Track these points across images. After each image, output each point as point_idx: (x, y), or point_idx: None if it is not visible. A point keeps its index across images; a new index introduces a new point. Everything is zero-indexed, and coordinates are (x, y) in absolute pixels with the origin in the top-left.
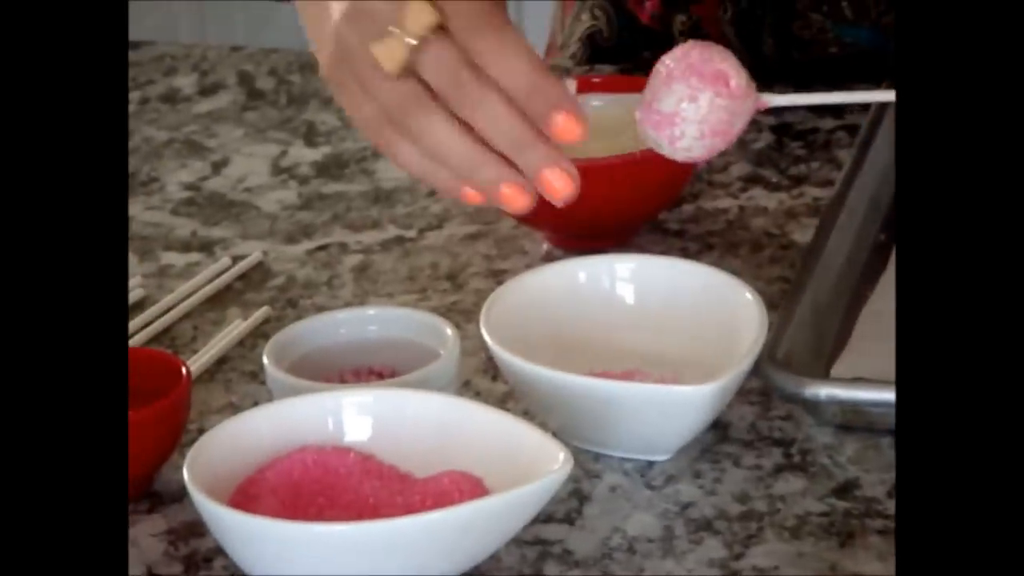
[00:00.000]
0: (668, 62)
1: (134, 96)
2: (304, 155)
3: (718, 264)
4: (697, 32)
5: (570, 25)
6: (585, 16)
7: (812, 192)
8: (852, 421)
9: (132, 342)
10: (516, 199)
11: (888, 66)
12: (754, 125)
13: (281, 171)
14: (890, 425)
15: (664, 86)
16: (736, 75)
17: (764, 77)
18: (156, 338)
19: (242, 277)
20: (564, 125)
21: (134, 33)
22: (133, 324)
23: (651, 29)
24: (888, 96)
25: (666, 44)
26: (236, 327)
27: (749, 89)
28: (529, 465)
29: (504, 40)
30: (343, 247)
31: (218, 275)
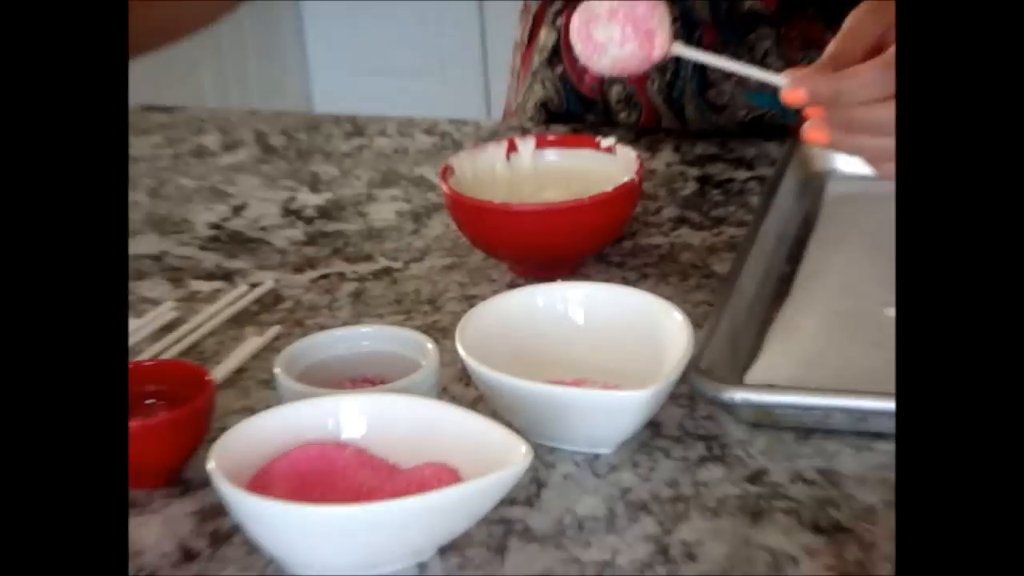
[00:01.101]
0: (616, 1)
1: (168, 152)
2: (309, 200)
3: (652, 290)
4: (630, 102)
5: (525, 94)
6: (537, 87)
7: (729, 231)
8: (762, 420)
9: (166, 355)
10: None
11: (788, 124)
12: (681, 176)
13: (290, 213)
14: (793, 423)
15: (606, 18)
16: (661, 41)
17: (694, 142)
18: (186, 352)
19: (257, 301)
20: None
21: (169, 100)
22: (167, 340)
23: (591, 98)
24: (775, 79)
25: (606, 110)
26: (252, 343)
27: (665, 51)
28: (496, 457)
29: None
30: (341, 276)
31: (237, 299)
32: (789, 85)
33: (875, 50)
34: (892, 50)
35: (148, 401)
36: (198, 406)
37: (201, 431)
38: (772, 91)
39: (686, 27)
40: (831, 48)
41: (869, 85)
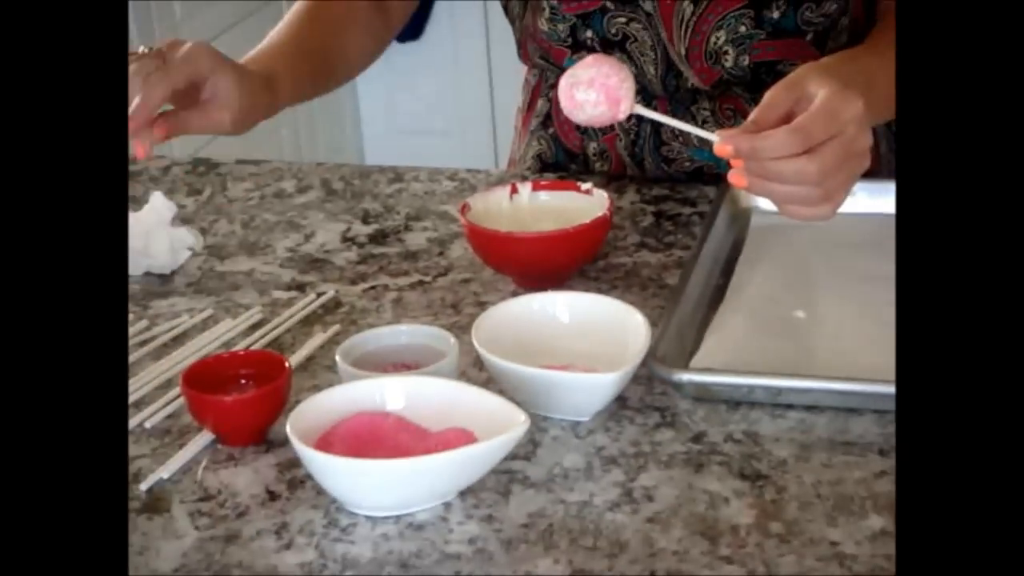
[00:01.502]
0: (598, 71)
1: (256, 194)
2: (361, 230)
3: (620, 297)
4: (603, 155)
5: (524, 149)
6: (534, 143)
7: (678, 253)
8: (703, 395)
9: (255, 347)
10: None
11: (721, 173)
12: (641, 211)
13: (347, 240)
14: (726, 397)
15: (586, 85)
16: (625, 107)
17: (651, 186)
18: (270, 344)
19: (322, 306)
20: None
21: (257, 155)
22: (255, 335)
23: (575, 152)
24: (711, 136)
25: (585, 161)
26: (318, 337)
27: (627, 114)
28: (502, 423)
29: None
30: (386, 287)
31: (307, 305)
32: (720, 142)
33: (786, 119)
34: (799, 119)
35: (242, 381)
36: (279, 384)
37: (281, 403)
38: (709, 148)
39: (645, 99)
40: (752, 115)
41: (779, 145)
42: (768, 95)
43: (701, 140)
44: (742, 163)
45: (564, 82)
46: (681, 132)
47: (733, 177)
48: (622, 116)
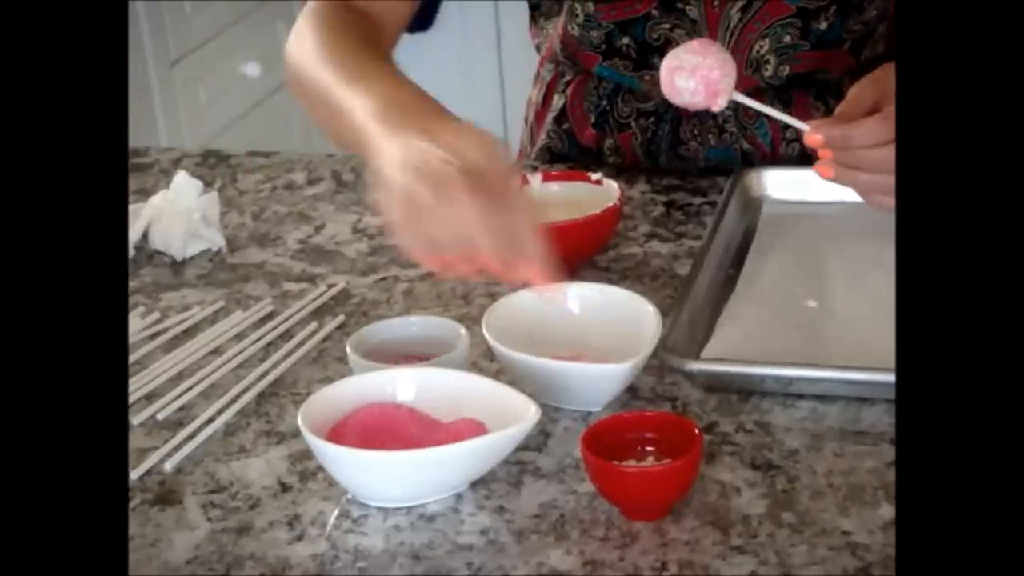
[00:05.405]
0: (703, 60)
1: (267, 186)
2: (372, 221)
3: (630, 288)
4: (618, 153)
5: (536, 141)
6: (544, 136)
7: (688, 243)
8: (714, 385)
9: (265, 339)
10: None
11: (732, 168)
12: (652, 201)
13: (358, 231)
14: (737, 387)
15: (688, 72)
16: (722, 101)
17: (662, 176)
18: (280, 336)
19: (333, 297)
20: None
21: (268, 147)
22: (265, 327)
23: (588, 147)
24: (801, 125)
25: (599, 155)
26: (330, 328)
27: (725, 103)
28: (513, 414)
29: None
30: (396, 278)
31: (318, 296)
32: (810, 131)
33: (872, 111)
34: (888, 109)
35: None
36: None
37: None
38: (724, 148)
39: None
40: (839, 108)
41: (871, 133)
42: (853, 90)
43: (718, 140)
44: (830, 154)
45: (667, 64)
46: (700, 132)
47: (820, 168)
48: (717, 109)
